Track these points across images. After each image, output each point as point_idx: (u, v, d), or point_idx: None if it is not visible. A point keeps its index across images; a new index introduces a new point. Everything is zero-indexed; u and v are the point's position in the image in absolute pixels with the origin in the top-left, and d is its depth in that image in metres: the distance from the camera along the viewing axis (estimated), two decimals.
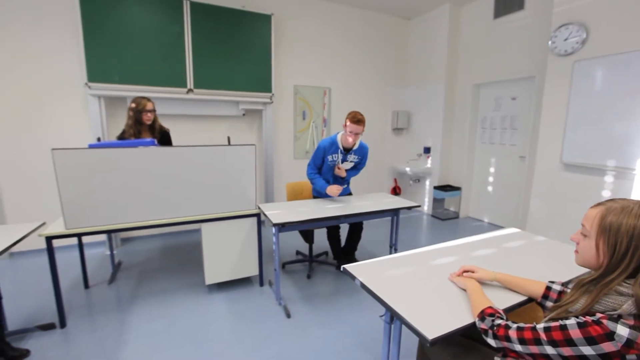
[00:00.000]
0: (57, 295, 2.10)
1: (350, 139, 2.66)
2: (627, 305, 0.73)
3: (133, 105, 2.59)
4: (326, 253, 3.31)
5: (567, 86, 3.15)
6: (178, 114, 3.69)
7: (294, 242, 3.59)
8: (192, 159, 2.34)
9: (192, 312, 2.32)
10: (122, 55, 3.19)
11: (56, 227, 2.12)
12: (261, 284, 2.71)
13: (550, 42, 3.25)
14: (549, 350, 0.79)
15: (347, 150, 2.77)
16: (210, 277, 2.53)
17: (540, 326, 0.83)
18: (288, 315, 2.29)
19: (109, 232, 2.26)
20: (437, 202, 4.94)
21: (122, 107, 3.33)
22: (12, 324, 2.10)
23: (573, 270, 1.31)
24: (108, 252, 3.10)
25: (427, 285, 1.29)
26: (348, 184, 3.01)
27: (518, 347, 0.85)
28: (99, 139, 3.04)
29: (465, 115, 4.67)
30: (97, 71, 3.13)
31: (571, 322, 0.77)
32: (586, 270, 0.91)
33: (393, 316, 1.18)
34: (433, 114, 4.91)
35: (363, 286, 1.29)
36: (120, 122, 2.84)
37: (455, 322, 1.04)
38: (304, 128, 4.60)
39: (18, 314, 2.24)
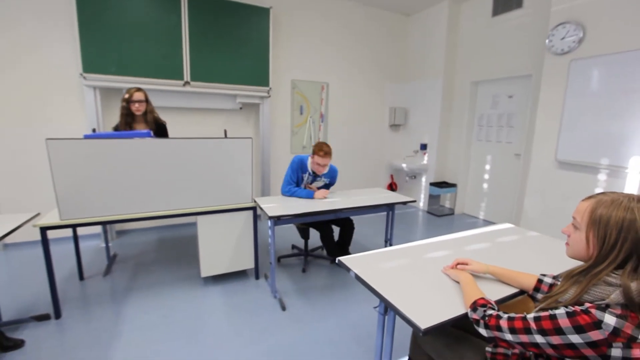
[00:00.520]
0: (52, 286, 2.09)
1: (316, 169, 2.72)
2: (615, 295, 0.74)
3: (123, 96, 2.56)
4: (321, 247, 3.33)
5: (563, 85, 3.17)
6: (174, 107, 3.66)
7: (290, 236, 3.61)
8: (188, 151, 2.34)
9: (187, 304, 2.33)
10: (118, 47, 3.15)
11: (51, 217, 2.11)
12: (257, 277, 2.72)
13: (547, 41, 3.27)
14: (539, 339, 0.80)
15: (316, 174, 2.82)
16: (206, 270, 2.53)
17: (530, 316, 0.84)
18: (283, 308, 2.30)
19: (104, 223, 2.25)
20: (432, 198, 4.97)
21: (118, 99, 3.27)
22: (6, 314, 2.10)
23: (565, 264, 1.32)
24: (103, 245, 3.09)
25: (420, 277, 1.31)
26: None
27: (509, 337, 0.86)
28: (94, 130, 3.00)
29: (463, 113, 4.69)
30: (93, 62, 3.09)
31: (560, 311, 0.79)
32: (577, 263, 0.93)
33: (387, 307, 1.20)
34: (430, 110, 4.92)
35: (358, 278, 1.30)
36: (116, 114, 2.81)
37: (448, 312, 1.05)
38: (301, 123, 4.59)
39: (13, 304, 2.24)
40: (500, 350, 1.02)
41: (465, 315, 1.03)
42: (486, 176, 4.59)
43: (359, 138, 5.12)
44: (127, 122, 2.59)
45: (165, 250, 3.30)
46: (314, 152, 2.66)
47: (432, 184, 4.88)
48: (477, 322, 0.96)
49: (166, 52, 3.35)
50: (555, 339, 0.77)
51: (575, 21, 3.04)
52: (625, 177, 2.84)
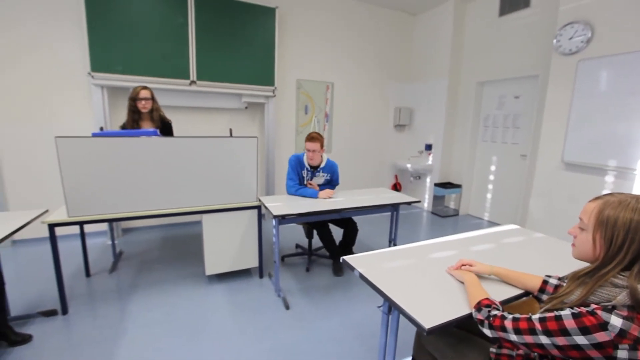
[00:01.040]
0: (59, 282, 2.12)
1: (309, 157, 2.74)
2: (622, 297, 0.74)
3: (130, 94, 2.60)
4: (321, 247, 3.32)
5: (570, 85, 3.15)
6: (180, 106, 3.69)
7: (294, 235, 3.62)
8: (194, 150, 2.35)
9: (191, 302, 2.35)
10: (126, 46, 3.19)
11: (59, 215, 2.14)
12: (261, 276, 2.73)
13: (555, 41, 3.24)
14: (544, 340, 0.80)
15: (314, 168, 2.82)
16: (211, 268, 2.55)
17: (535, 317, 0.84)
18: (287, 307, 2.31)
19: (110, 220, 2.28)
20: (437, 199, 4.95)
21: (125, 98, 3.30)
22: (14, 309, 2.13)
23: (571, 266, 1.31)
24: (109, 242, 3.12)
25: (425, 277, 1.31)
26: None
27: (513, 337, 0.86)
28: (101, 129, 3.04)
29: (468, 113, 4.66)
30: (100, 61, 3.13)
31: (566, 312, 0.78)
32: (583, 264, 0.92)
33: (391, 306, 1.20)
34: (435, 111, 4.90)
35: (362, 277, 1.30)
36: (123, 112, 2.84)
37: (452, 312, 1.05)
38: (306, 122, 4.60)
39: (21, 300, 2.27)
40: (505, 351, 1.01)
41: (470, 315, 1.03)
42: (491, 177, 4.56)
43: (364, 138, 5.12)
44: (135, 120, 2.64)
45: (170, 248, 3.33)
46: (305, 143, 2.73)
47: (436, 185, 4.86)
48: (481, 322, 0.96)
49: (172, 52, 3.38)
50: (561, 340, 0.77)
51: (583, 21, 3.01)
52: (633, 179, 2.80)
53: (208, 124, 3.95)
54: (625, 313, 0.72)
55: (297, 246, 3.37)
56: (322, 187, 2.86)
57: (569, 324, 0.76)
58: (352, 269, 1.37)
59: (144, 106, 2.62)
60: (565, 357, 0.80)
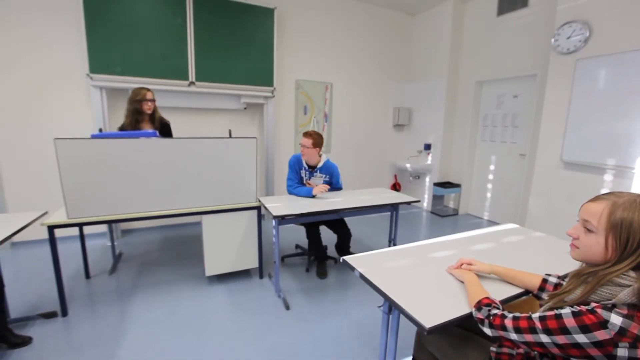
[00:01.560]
0: (59, 284, 2.12)
1: (302, 153, 2.75)
2: (622, 295, 0.74)
3: (133, 95, 2.60)
4: (326, 247, 3.32)
5: (569, 84, 3.15)
6: (179, 107, 3.69)
7: (294, 236, 3.62)
8: (193, 151, 2.35)
9: (192, 302, 2.35)
10: (124, 47, 3.18)
11: (58, 216, 2.13)
12: (261, 277, 2.73)
13: (553, 40, 3.25)
14: (544, 338, 0.80)
15: (312, 168, 2.83)
16: (211, 269, 2.55)
17: (535, 315, 0.84)
18: (287, 307, 2.31)
19: (110, 222, 2.27)
20: (436, 198, 4.96)
21: (124, 99, 3.32)
22: (14, 311, 2.13)
23: (570, 265, 1.32)
24: (109, 243, 3.12)
25: (425, 277, 1.31)
26: None
27: (513, 336, 0.86)
28: (100, 130, 3.04)
29: (467, 113, 4.67)
30: (99, 62, 3.12)
31: (566, 311, 0.78)
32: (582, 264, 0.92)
33: (391, 306, 1.20)
34: (434, 110, 4.91)
35: (362, 277, 1.30)
36: (122, 114, 2.84)
37: (453, 312, 1.05)
38: (305, 123, 4.60)
39: (20, 302, 2.27)
40: (505, 349, 1.01)
41: (470, 314, 1.03)
42: (490, 176, 4.57)
43: (363, 138, 5.12)
44: (137, 121, 2.65)
45: (170, 249, 3.32)
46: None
47: (436, 184, 4.86)
48: (481, 321, 0.96)
49: (171, 53, 3.38)
50: (561, 339, 0.77)
51: (581, 20, 3.02)
52: (632, 178, 2.81)
53: (207, 124, 3.95)
54: (625, 311, 0.73)
55: (297, 246, 3.37)
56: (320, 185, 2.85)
57: (569, 322, 0.76)
58: (352, 269, 1.37)
59: (149, 108, 2.64)
60: (566, 356, 0.80)
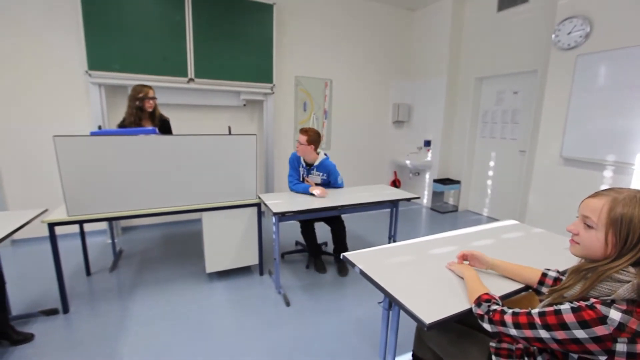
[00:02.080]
0: (60, 281, 2.12)
1: (297, 149, 2.77)
2: (622, 290, 0.74)
3: (135, 93, 2.59)
4: (325, 243, 3.34)
5: (569, 80, 3.14)
6: (178, 104, 3.68)
7: (293, 232, 3.62)
8: (193, 148, 2.35)
9: (192, 299, 2.36)
10: (123, 44, 3.16)
11: (58, 214, 2.13)
12: (261, 273, 2.74)
13: (553, 36, 3.23)
14: (543, 334, 0.81)
15: (309, 166, 2.83)
16: (211, 266, 2.55)
17: (535, 311, 0.85)
18: (287, 304, 2.32)
19: (110, 219, 2.27)
20: (436, 195, 4.96)
21: (123, 96, 3.32)
22: (15, 309, 2.14)
23: (570, 261, 1.33)
24: (109, 241, 3.12)
25: (425, 273, 1.31)
26: None
27: (513, 332, 0.87)
28: (99, 127, 3.04)
29: (467, 109, 4.66)
30: (98, 59, 3.11)
31: (565, 307, 0.79)
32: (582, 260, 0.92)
33: (391, 302, 1.21)
34: (434, 107, 4.90)
35: (362, 273, 1.31)
36: (121, 111, 2.84)
37: (452, 308, 1.06)
38: (304, 119, 4.59)
39: (21, 299, 2.27)
40: (504, 345, 1.02)
41: (470, 310, 1.04)
42: (490, 173, 4.57)
43: (363, 134, 5.11)
44: (139, 118, 2.65)
45: (171, 247, 3.33)
46: None
47: (435, 181, 4.86)
48: (481, 317, 0.96)
49: (170, 49, 3.36)
50: (560, 334, 0.78)
51: (582, 15, 3.00)
52: (632, 174, 2.81)
53: (207, 121, 3.94)
54: (624, 307, 0.73)
55: (297, 243, 3.37)
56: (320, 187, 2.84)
57: (568, 318, 0.77)
58: (353, 265, 1.38)
59: (151, 105, 2.65)
60: (565, 351, 0.81)
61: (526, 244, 1.69)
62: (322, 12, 4.40)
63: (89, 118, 3.31)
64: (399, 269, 1.35)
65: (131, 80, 3.19)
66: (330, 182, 2.89)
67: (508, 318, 0.88)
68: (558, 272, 1.12)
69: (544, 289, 1.11)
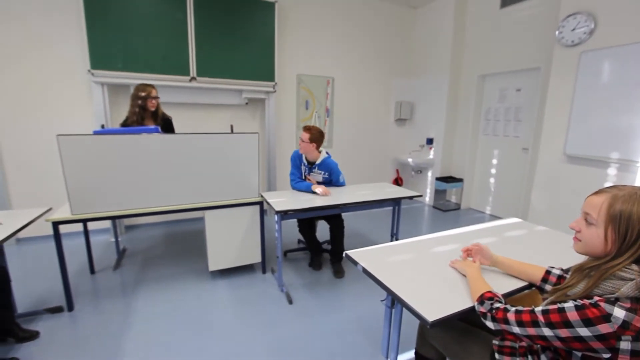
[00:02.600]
0: (65, 279, 2.14)
1: (299, 146, 2.77)
2: (625, 288, 0.74)
3: (138, 92, 2.60)
4: (327, 242, 3.34)
5: (573, 77, 3.12)
6: (181, 102, 3.68)
7: (296, 231, 3.62)
8: (195, 147, 2.35)
9: (195, 297, 2.37)
10: (125, 43, 3.17)
11: (62, 212, 2.15)
12: (263, 271, 2.75)
13: (557, 32, 3.21)
14: (546, 332, 0.80)
15: (311, 164, 2.83)
16: (214, 264, 2.56)
17: (538, 309, 0.84)
18: (290, 302, 2.33)
19: (114, 217, 2.29)
20: (438, 193, 4.95)
21: (125, 95, 3.33)
22: (21, 306, 2.15)
23: (573, 259, 1.32)
24: (113, 239, 3.14)
25: (427, 271, 1.31)
26: None
27: (516, 330, 0.87)
28: (102, 126, 3.05)
29: (469, 107, 4.64)
30: (100, 58, 3.12)
31: (569, 305, 0.79)
32: (585, 258, 0.92)
33: (394, 300, 1.21)
34: (436, 104, 4.88)
35: (365, 271, 1.31)
36: (123, 110, 2.85)
37: (455, 305, 1.06)
38: (306, 117, 4.59)
39: (26, 297, 2.29)
40: (507, 343, 1.02)
41: (472, 308, 1.04)
42: (493, 171, 4.55)
43: (365, 132, 5.11)
44: (142, 117, 2.66)
45: (173, 245, 3.35)
46: None
47: (438, 179, 4.85)
48: (484, 315, 0.96)
49: (172, 48, 3.36)
50: (564, 332, 0.78)
51: (586, 12, 2.98)
52: (636, 172, 2.79)
53: (209, 120, 3.95)
54: (628, 305, 0.73)
55: (299, 241, 3.38)
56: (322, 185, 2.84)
57: (572, 316, 0.77)
58: (355, 263, 1.38)
59: (153, 105, 2.66)
60: (568, 349, 0.80)
61: (529, 242, 1.69)
62: (324, 10, 4.39)
63: (91, 117, 3.33)
64: (401, 267, 1.35)
65: (133, 79, 3.20)
66: (332, 180, 2.89)
67: (511, 316, 0.88)
68: (562, 270, 1.12)
69: (547, 287, 1.11)
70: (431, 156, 5.07)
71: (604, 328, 0.72)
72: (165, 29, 3.31)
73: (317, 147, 2.74)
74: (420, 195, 2.85)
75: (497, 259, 1.28)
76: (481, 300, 1.00)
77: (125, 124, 2.68)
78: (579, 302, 0.78)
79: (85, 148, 2.06)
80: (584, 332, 0.75)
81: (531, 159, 3.86)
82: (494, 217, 4.48)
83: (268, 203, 2.43)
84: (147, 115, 2.69)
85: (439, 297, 1.12)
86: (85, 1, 2.96)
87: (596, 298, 0.77)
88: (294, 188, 2.83)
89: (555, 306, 0.81)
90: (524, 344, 0.99)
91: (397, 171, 5.57)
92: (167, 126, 2.85)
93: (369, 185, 3.07)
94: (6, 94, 3.06)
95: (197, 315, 2.15)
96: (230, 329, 2.03)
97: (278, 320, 2.13)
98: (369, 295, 2.41)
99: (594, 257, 0.88)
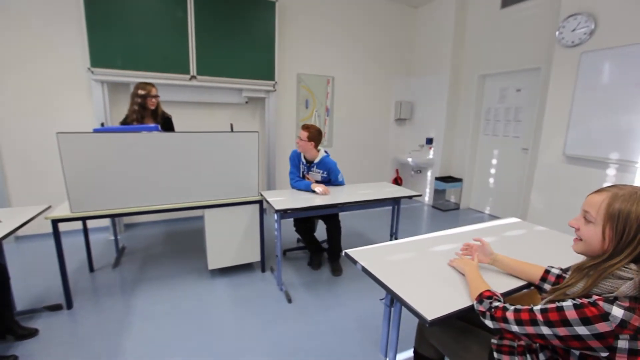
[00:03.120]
0: (64, 277, 2.14)
1: (297, 144, 2.76)
2: (624, 288, 0.74)
3: (138, 91, 2.60)
4: (325, 241, 3.33)
5: (573, 78, 3.12)
6: (181, 101, 3.68)
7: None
8: (195, 145, 2.35)
9: (195, 295, 2.37)
10: (125, 41, 3.16)
11: (62, 210, 2.15)
12: (263, 270, 2.75)
13: (557, 33, 3.21)
14: (545, 330, 0.81)
15: (309, 163, 2.83)
16: (213, 262, 2.56)
17: (537, 308, 0.85)
18: (289, 300, 2.33)
19: (113, 216, 2.29)
20: (438, 193, 4.95)
21: (125, 93, 3.33)
22: (20, 304, 2.16)
23: (573, 259, 1.32)
24: (112, 238, 3.14)
25: (426, 270, 1.32)
26: None
27: (515, 328, 0.87)
28: (102, 125, 3.05)
29: (469, 107, 4.64)
30: (100, 56, 3.11)
31: (567, 303, 0.79)
32: (584, 257, 0.92)
33: (393, 299, 1.21)
34: (436, 104, 4.88)
35: (364, 270, 1.31)
36: (123, 108, 2.84)
37: (454, 304, 1.06)
38: (306, 117, 4.59)
39: (26, 295, 2.29)
40: (506, 342, 1.02)
41: (471, 307, 1.04)
42: (492, 171, 4.56)
43: (365, 132, 5.11)
44: (142, 115, 2.66)
45: (173, 243, 3.35)
46: None
47: (437, 179, 4.86)
48: (483, 313, 0.96)
49: (172, 47, 3.36)
50: (562, 331, 0.78)
51: (586, 12, 2.98)
52: (635, 172, 2.80)
53: (209, 119, 3.94)
54: (626, 304, 0.73)
55: (299, 240, 3.38)
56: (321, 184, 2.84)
57: (570, 314, 0.77)
58: (355, 262, 1.38)
59: (153, 103, 2.67)
60: (566, 348, 0.81)
61: (528, 241, 1.69)
62: (324, 9, 4.39)
63: (91, 115, 3.32)
64: (400, 266, 1.35)
65: (133, 77, 3.20)
66: (331, 179, 2.88)
67: (510, 315, 0.88)
68: (561, 269, 1.12)
69: (546, 286, 1.11)
70: (431, 156, 5.07)
71: (602, 327, 0.73)
72: (166, 27, 3.31)
73: (316, 146, 2.75)
74: (420, 195, 2.85)
75: (496, 257, 1.28)
76: (480, 299, 1.00)
77: (125, 122, 2.68)
78: (578, 301, 0.78)
79: (85, 146, 2.06)
80: (582, 330, 0.75)
81: (531, 159, 3.87)
82: (493, 217, 4.49)
83: (268, 202, 2.43)
84: (147, 114, 2.69)
85: (438, 296, 1.13)
86: (85, 0, 2.96)
87: (595, 297, 0.77)
88: (293, 187, 2.83)
89: (553, 305, 0.82)
90: (522, 342, 0.99)
91: (397, 171, 5.57)
92: (167, 125, 2.85)
93: (369, 185, 3.07)
94: (6, 92, 3.05)
95: (196, 314, 2.16)
96: (229, 327, 2.04)
97: (277, 318, 2.13)
98: (368, 294, 2.42)
99: (592, 257, 0.88)
